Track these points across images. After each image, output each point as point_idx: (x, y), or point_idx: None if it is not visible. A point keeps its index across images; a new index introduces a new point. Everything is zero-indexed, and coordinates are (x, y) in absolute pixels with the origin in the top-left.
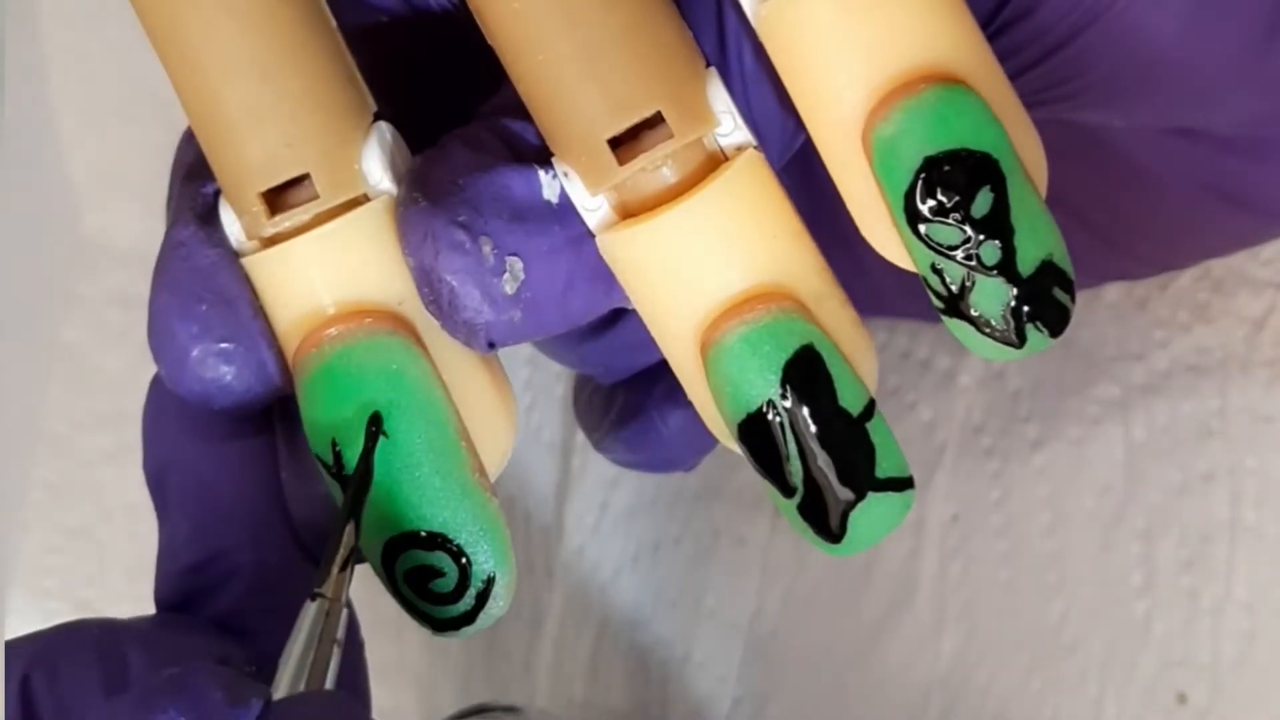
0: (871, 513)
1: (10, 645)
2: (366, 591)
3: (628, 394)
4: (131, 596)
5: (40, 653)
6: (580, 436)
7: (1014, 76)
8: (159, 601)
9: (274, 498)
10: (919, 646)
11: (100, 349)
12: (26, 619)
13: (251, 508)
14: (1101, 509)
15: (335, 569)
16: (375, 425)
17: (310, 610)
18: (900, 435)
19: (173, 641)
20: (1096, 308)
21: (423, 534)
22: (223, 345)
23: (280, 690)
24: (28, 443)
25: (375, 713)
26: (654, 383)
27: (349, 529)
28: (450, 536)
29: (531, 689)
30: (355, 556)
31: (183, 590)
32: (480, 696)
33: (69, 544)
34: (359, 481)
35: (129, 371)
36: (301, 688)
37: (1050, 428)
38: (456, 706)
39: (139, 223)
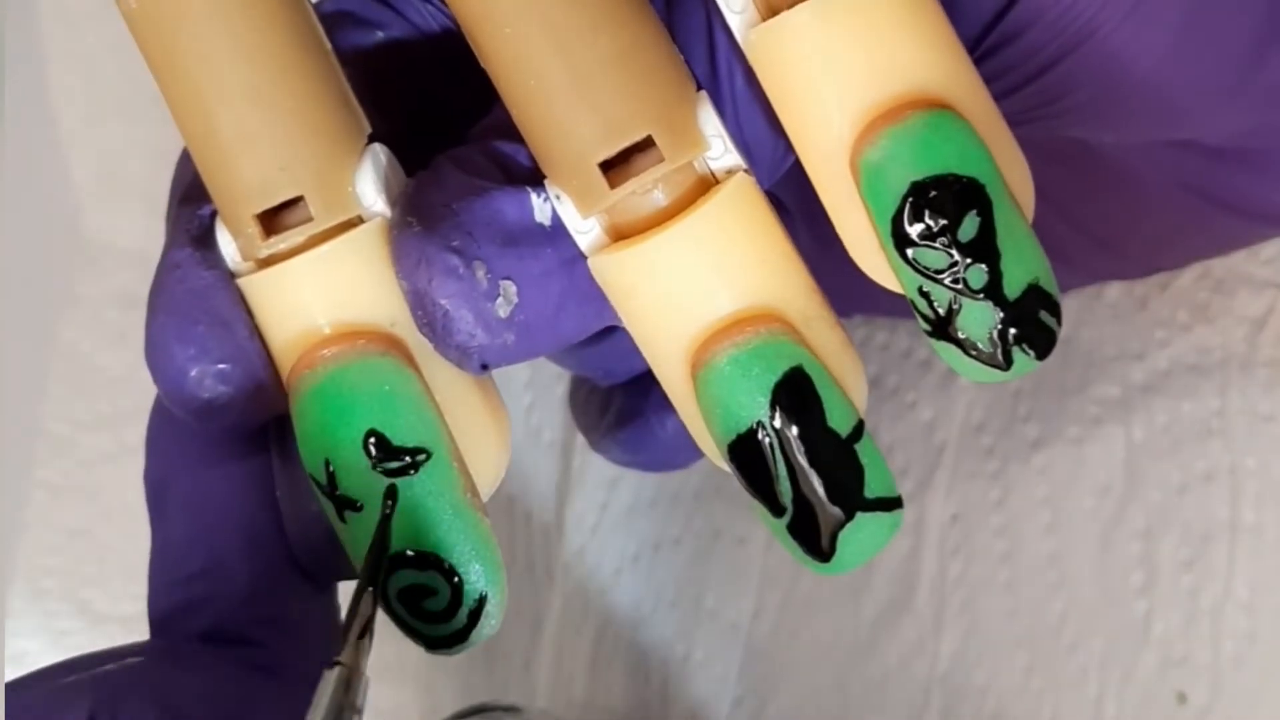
0: (861, 532)
1: (75, 682)
2: None
3: (625, 397)
4: (131, 596)
5: (106, 694)
6: (580, 437)
7: (1000, 98)
8: (155, 610)
9: (270, 514)
10: (919, 646)
11: (100, 349)
12: (27, 619)
13: (248, 523)
14: (1101, 509)
15: (354, 636)
16: (391, 498)
17: (330, 679)
18: (900, 435)
19: (233, 696)
20: (1096, 308)
21: (415, 554)
22: (220, 366)
23: None
24: (28, 443)
25: (375, 713)
26: (651, 386)
27: (367, 596)
28: (442, 556)
29: (531, 689)
30: (373, 624)
31: (179, 599)
32: (480, 696)
33: (69, 544)
34: (377, 550)
35: (129, 371)
36: None
37: (1050, 428)
38: (456, 706)
39: (140, 223)
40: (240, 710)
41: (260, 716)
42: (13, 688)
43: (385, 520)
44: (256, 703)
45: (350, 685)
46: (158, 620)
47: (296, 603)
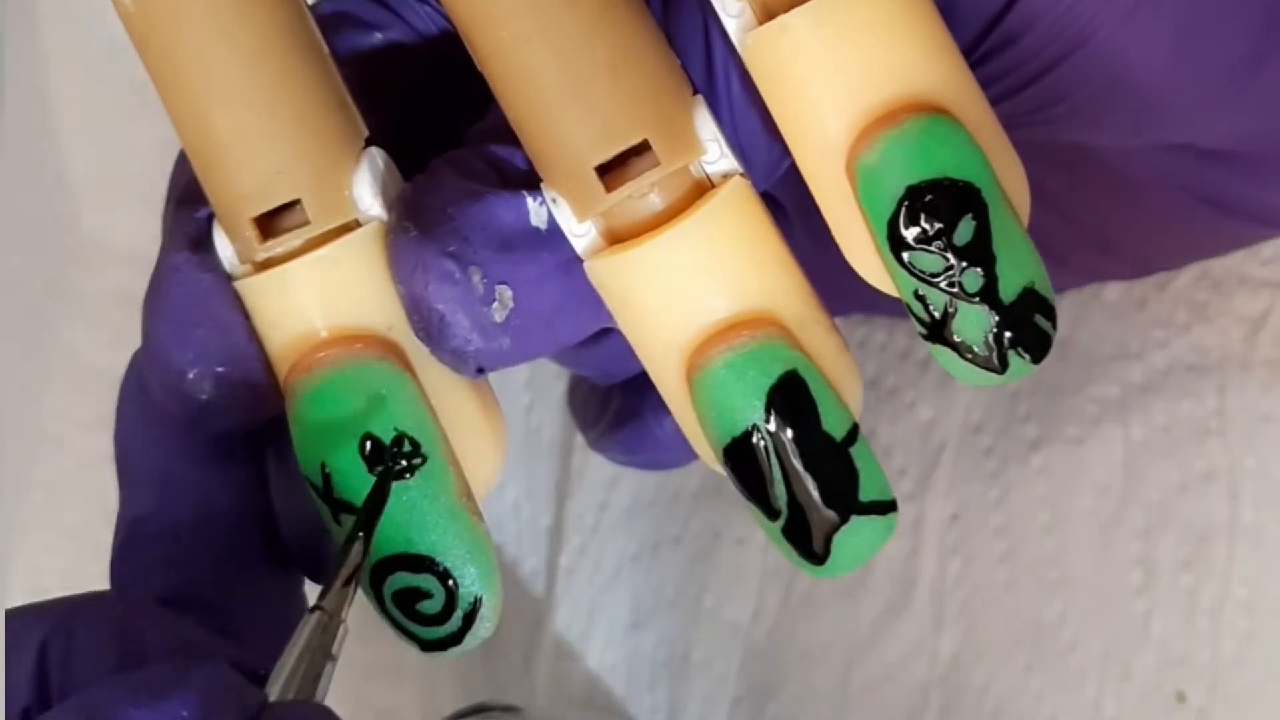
0: (855, 535)
1: (34, 609)
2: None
3: (624, 396)
4: None
5: (61, 621)
6: (580, 436)
7: (996, 102)
8: (115, 573)
9: (229, 488)
10: (918, 645)
11: (100, 349)
12: None
13: (208, 498)
14: (1101, 508)
15: (338, 584)
16: (397, 445)
17: (310, 622)
18: (900, 435)
19: (194, 639)
20: (1095, 308)
21: (410, 556)
22: (217, 369)
23: (272, 696)
24: (27, 443)
25: (374, 713)
26: (649, 385)
27: (357, 546)
28: (437, 559)
29: (531, 689)
30: (359, 574)
31: (139, 561)
32: (480, 696)
33: (69, 544)
34: (372, 502)
35: None
36: (291, 696)
37: (1049, 427)
38: (456, 706)
39: (139, 223)
40: (196, 651)
41: (216, 658)
42: None
43: (385, 473)
44: (213, 651)
45: (328, 630)
46: (117, 584)
47: (260, 581)
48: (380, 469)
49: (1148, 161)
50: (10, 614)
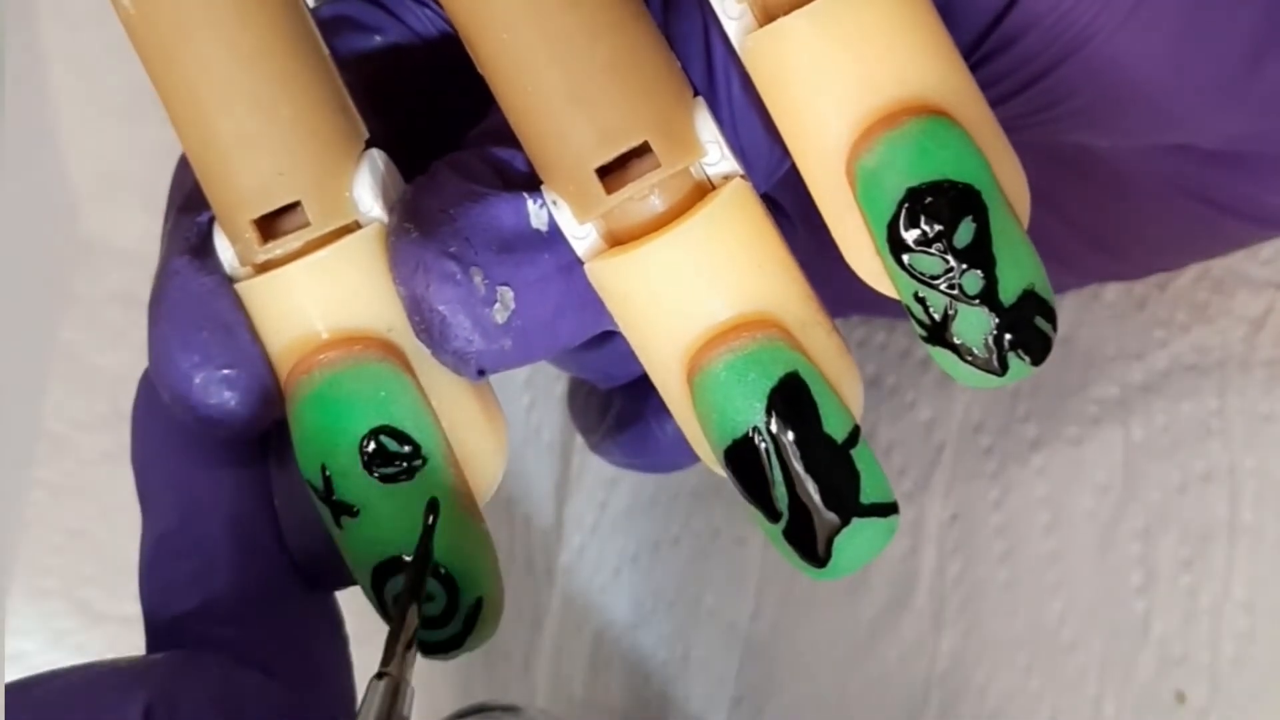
0: (856, 538)
1: (129, 671)
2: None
3: (625, 400)
4: (131, 596)
5: (165, 685)
6: (580, 436)
7: (996, 104)
8: (151, 608)
9: (259, 510)
10: (918, 646)
11: (100, 349)
12: (26, 619)
13: (237, 524)
14: (1101, 509)
15: (400, 648)
16: (433, 512)
17: (378, 689)
18: (899, 435)
19: (289, 701)
20: (1095, 308)
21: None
22: (225, 371)
23: None
24: (27, 443)
25: None
26: (650, 389)
27: (413, 609)
28: (439, 562)
29: (531, 689)
30: (416, 636)
31: (176, 600)
32: (480, 696)
33: (69, 544)
34: (420, 562)
35: (129, 371)
36: None
37: (1049, 427)
38: (456, 706)
39: (139, 223)
40: (290, 711)
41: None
42: (54, 676)
43: (428, 531)
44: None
45: (397, 695)
46: (146, 602)
47: (293, 607)
48: (424, 528)
49: (1148, 163)
50: (102, 674)
